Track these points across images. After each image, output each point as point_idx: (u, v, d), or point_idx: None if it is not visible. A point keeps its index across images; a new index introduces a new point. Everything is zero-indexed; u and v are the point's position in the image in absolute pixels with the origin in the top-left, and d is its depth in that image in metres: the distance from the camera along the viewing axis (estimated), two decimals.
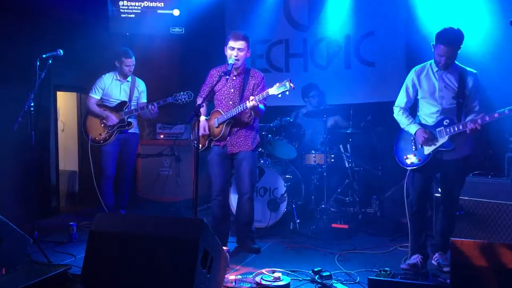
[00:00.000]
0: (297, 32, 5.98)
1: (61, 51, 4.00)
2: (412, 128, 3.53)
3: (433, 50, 3.40)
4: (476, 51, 4.57)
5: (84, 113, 5.56)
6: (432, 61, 3.49)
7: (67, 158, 6.49)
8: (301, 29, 5.96)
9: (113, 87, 4.90)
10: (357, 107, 5.35)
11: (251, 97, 3.75)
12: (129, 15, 5.82)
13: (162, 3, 5.85)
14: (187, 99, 4.51)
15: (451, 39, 3.27)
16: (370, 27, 5.61)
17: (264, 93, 3.73)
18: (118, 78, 4.92)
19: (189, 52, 6.29)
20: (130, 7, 5.83)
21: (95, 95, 4.90)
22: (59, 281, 3.25)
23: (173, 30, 5.97)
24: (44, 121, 5.46)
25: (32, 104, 3.82)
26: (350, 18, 5.64)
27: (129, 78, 4.95)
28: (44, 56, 3.91)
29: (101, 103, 4.92)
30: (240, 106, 3.86)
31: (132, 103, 4.94)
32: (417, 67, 3.61)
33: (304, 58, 5.96)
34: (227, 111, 3.96)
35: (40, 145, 5.19)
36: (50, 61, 3.94)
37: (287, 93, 3.62)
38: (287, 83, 3.60)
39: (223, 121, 3.96)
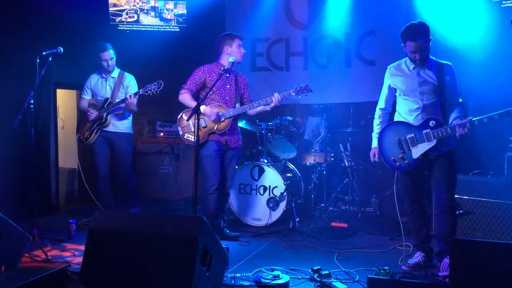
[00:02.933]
0: (297, 31, 5.94)
1: (61, 48, 4.01)
2: (373, 143, 3.67)
3: (405, 50, 3.40)
4: (476, 47, 4.58)
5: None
6: (407, 58, 3.48)
7: (67, 156, 6.47)
8: (302, 27, 5.93)
9: (99, 86, 4.82)
10: (357, 106, 5.34)
11: (276, 94, 3.99)
12: (129, 12, 5.82)
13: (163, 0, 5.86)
14: (156, 88, 4.39)
15: (416, 33, 3.28)
16: (371, 25, 5.59)
17: (286, 93, 4.00)
18: (104, 75, 4.82)
19: (190, 48, 6.27)
20: (130, 4, 5.82)
21: (86, 96, 4.87)
22: (58, 279, 3.26)
23: (174, 27, 5.96)
24: (43, 118, 5.45)
25: (32, 101, 3.82)
26: (350, 17, 5.61)
27: (114, 74, 4.81)
28: (44, 53, 3.91)
29: (94, 103, 4.88)
30: (263, 101, 4.01)
31: (117, 100, 4.74)
32: (392, 65, 3.60)
33: (304, 57, 5.93)
34: (229, 106, 4.10)
35: (40, 142, 5.18)
36: (50, 59, 3.94)
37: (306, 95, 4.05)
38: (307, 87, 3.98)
39: (231, 115, 4.09)
